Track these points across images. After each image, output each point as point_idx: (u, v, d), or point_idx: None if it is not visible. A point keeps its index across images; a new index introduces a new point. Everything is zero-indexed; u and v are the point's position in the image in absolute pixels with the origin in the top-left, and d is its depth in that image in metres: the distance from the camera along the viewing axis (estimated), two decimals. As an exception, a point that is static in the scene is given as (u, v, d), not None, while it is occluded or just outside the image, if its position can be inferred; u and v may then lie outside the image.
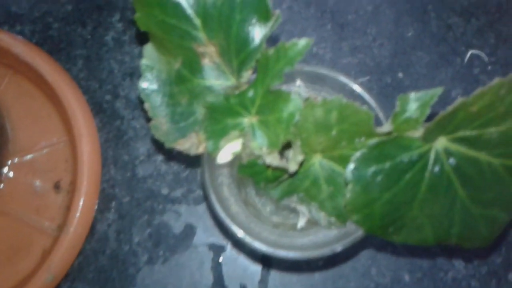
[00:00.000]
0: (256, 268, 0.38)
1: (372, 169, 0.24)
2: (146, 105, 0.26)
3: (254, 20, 0.24)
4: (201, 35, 0.25)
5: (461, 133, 0.23)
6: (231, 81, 0.27)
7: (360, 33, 0.45)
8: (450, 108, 0.21)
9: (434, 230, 0.25)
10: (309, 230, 0.32)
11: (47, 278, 0.35)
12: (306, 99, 0.25)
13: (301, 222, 0.30)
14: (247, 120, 0.27)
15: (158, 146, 0.40)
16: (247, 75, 0.26)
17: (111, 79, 0.42)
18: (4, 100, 0.41)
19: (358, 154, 0.23)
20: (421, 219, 0.25)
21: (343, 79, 0.29)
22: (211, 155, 0.27)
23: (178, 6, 0.25)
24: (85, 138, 0.37)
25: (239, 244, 0.38)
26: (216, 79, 0.27)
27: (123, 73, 0.43)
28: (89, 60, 0.43)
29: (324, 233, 0.31)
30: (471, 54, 0.45)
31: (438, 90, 0.23)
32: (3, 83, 0.42)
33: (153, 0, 0.25)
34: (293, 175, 0.27)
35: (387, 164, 0.23)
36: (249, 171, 0.28)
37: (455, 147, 0.23)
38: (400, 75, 0.44)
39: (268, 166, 0.26)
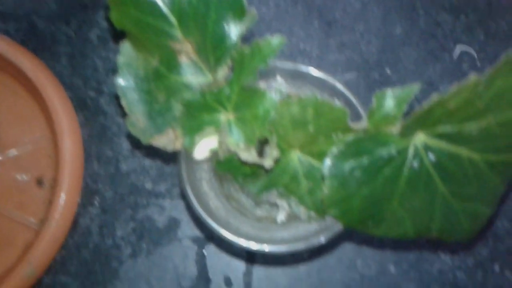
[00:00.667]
0: (240, 261, 0.47)
1: (349, 164, 0.28)
2: (123, 102, 0.33)
3: (229, 18, 0.30)
4: (177, 33, 0.32)
5: (441, 129, 0.27)
6: (207, 78, 0.33)
7: (347, 30, 0.56)
8: (426, 104, 0.25)
9: (414, 224, 0.30)
10: (290, 224, 0.41)
11: (28, 271, 0.43)
12: (284, 97, 0.31)
13: (281, 216, 0.37)
14: (223, 117, 0.33)
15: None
16: (223, 72, 0.32)
17: (95, 76, 0.53)
18: (-13, 97, 0.51)
19: (334, 150, 0.28)
20: (400, 213, 0.29)
21: (323, 76, 0.37)
22: (187, 151, 0.34)
23: (154, 4, 0.31)
24: (66, 134, 0.47)
25: (220, 239, 0.47)
26: (193, 75, 0.33)
27: (107, 70, 0.53)
28: (73, 57, 0.53)
29: (305, 226, 0.39)
30: (460, 51, 0.56)
31: (415, 87, 0.28)
32: (-13, 80, 0.52)
33: None
34: (269, 170, 0.33)
35: (365, 160, 0.28)
36: (226, 167, 0.34)
37: (435, 143, 0.28)
38: (388, 71, 0.54)
39: (245, 163, 0.32)
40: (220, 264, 0.46)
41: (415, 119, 0.26)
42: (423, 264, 0.46)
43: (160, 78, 0.33)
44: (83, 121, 0.51)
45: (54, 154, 0.49)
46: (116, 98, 0.51)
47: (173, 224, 0.48)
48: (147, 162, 0.49)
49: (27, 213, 0.48)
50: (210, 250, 0.47)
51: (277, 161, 0.32)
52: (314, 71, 0.37)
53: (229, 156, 0.33)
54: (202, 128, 0.33)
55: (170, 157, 0.49)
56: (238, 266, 0.46)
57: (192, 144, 0.33)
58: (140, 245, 0.47)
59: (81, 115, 0.51)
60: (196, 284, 0.46)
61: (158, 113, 0.33)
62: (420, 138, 0.28)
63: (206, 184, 0.38)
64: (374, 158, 0.28)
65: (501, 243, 0.47)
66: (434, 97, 0.25)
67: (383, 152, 0.28)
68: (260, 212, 0.43)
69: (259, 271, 0.46)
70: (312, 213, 0.35)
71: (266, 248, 0.34)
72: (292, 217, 0.37)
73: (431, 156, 0.28)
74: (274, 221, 0.40)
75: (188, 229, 0.47)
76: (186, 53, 0.33)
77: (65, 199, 0.45)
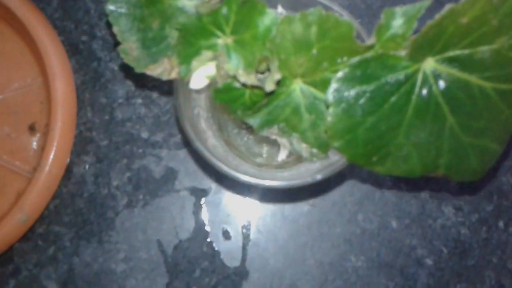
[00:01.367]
0: (239, 213, 0.45)
1: (355, 90, 0.26)
2: (115, 29, 0.31)
3: None
4: None
5: (451, 53, 0.25)
6: None
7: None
8: (438, 16, 0.23)
9: (421, 159, 0.28)
10: (290, 167, 0.40)
11: (20, 218, 0.42)
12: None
13: (282, 155, 0.36)
14: (221, 41, 0.31)
15: (138, 88, 0.48)
16: None
17: (88, 19, 0.50)
18: (-26, 39, 0.49)
19: (340, 74, 0.27)
20: (407, 148, 0.28)
21: (326, 2, 0.34)
22: (184, 79, 0.32)
23: None
24: (59, 78, 0.45)
25: (218, 191, 0.46)
26: None
27: (99, 13, 0.50)
28: (64, -2, 0.50)
29: (306, 166, 0.38)
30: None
31: (426, 2, 0.25)
32: (-27, 21, 0.49)
33: None
34: (270, 99, 0.32)
35: (371, 86, 0.26)
36: (225, 97, 0.32)
37: (444, 69, 0.26)
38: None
39: (244, 86, 0.30)
40: (219, 216, 0.45)
41: (425, 34, 0.24)
42: (426, 220, 0.45)
43: (153, 3, 0.31)
44: (76, 66, 0.48)
45: (46, 100, 0.47)
46: (107, 42, 0.48)
47: (171, 174, 0.46)
48: (143, 110, 0.47)
49: (19, 161, 0.46)
50: (209, 202, 0.45)
51: (278, 84, 0.30)
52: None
53: (227, 83, 0.31)
54: (199, 54, 0.31)
55: (167, 106, 0.47)
56: (237, 219, 0.45)
57: (188, 72, 0.31)
58: (137, 196, 0.46)
59: (74, 60, 0.48)
60: (194, 236, 0.45)
61: (152, 41, 0.32)
62: (429, 64, 0.26)
63: (204, 122, 0.37)
64: (380, 84, 0.26)
65: (505, 199, 0.46)
66: (446, 8, 0.23)
67: (391, 77, 0.26)
68: (260, 160, 0.42)
69: (258, 224, 0.45)
70: (315, 150, 0.33)
71: (266, 183, 0.33)
72: (294, 160, 0.35)
73: (441, 84, 0.26)
74: (273, 167, 0.39)
75: (186, 180, 0.46)
76: None
77: (58, 145, 0.43)
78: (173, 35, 0.32)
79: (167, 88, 0.47)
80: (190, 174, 0.46)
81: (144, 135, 0.47)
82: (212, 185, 0.46)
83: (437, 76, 0.26)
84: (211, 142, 0.36)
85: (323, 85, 0.30)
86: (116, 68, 0.48)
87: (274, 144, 0.43)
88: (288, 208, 0.45)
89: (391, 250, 0.44)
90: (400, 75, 0.26)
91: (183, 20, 0.31)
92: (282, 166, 0.41)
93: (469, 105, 0.27)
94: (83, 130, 0.47)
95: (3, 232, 0.41)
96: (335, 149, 0.28)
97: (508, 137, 0.29)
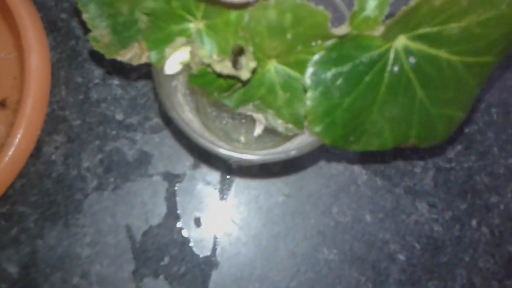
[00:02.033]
0: (212, 200, 0.44)
1: (331, 72, 0.27)
2: (85, 16, 0.30)
3: None
4: None
5: (421, 31, 0.27)
6: None
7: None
8: (413, 2, 0.24)
9: (393, 133, 0.29)
10: (267, 147, 0.39)
11: (-15, 194, 0.40)
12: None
13: (257, 130, 0.36)
14: (193, 26, 0.30)
15: (115, 69, 0.47)
16: None
17: (68, -2, 0.49)
18: None
19: (316, 57, 0.27)
20: (380, 123, 0.29)
21: None
22: (156, 66, 0.31)
23: None
24: (34, 54, 0.43)
25: (192, 175, 0.45)
26: None
27: (81, -7, 0.49)
28: (44, -25, 0.49)
29: (283, 147, 0.38)
30: None
31: None
32: None
33: None
34: (246, 83, 0.31)
35: (347, 66, 0.27)
36: (200, 81, 0.31)
37: (415, 46, 0.27)
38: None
39: (219, 75, 0.30)
40: (192, 203, 0.44)
41: (400, 19, 0.25)
42: (400, 215, 0.45)
43: None
44: (53, 44, 0.47)
45: (20, 75, 0.45)
46: (77, 14, 0.47)
47: (144, 158, 0.45)
48: (119, 92, 0.46)
49: (-14, 137, 0.44)
50: (182, 188, 0.44)
51: (254, 72, 0.30)
52: None
53: (202, 69, 0.30)
54: (171, 40, 0.31)
55: (144, 88, 0.46)
56: (210, 206, 0.44)
57: (161, 59, 0.31)
58: (107, 178, 0.44)
59: (51, 37, 0.47)
60: (164, 221, 0.44)
61: (123, 26, 0.31)
62: (401, 41, 0.27)
63: (182, 96, 0.35)
64: (355, 64, 0.27)
65: (479, 199, 0.46)
66: None
67: (365, 57, 0.27)
68: (237, 145, 0.41)
69: (231, 213, 0.44)
70: (290, 125, 0.32)
71: (242, 156, 0.32)
72: (271, 144, 0.34)
73: (411, 60, 0.27)
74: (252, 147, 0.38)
75: (160, 165, 0.45)
76: None
77: (28, 122, 0.42)
78: (143, 19, 0.31)
79: (145, 70, 0.46)
80: (164, 159, 0.45)
81: (119, 117, 0.46)
82: (186, 171, 0.45)
83: (408, 53, 0.27)
84: (187, 116, 0.35)
85: (298, 65, 0.30)
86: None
87: (251, 130, 0.42)
88: (262, 198, 0.45)
89: (364, 244, 0.44)
90: (374, 54, 0.27)
91: (151, 4, 0.30)
92: (259, 150, 0.41)
93: (437, 79, 0.28)
94: (55, 109, 0.45)
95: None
96: (316, 134, 0.29)
97: (471, 105, 0.31)
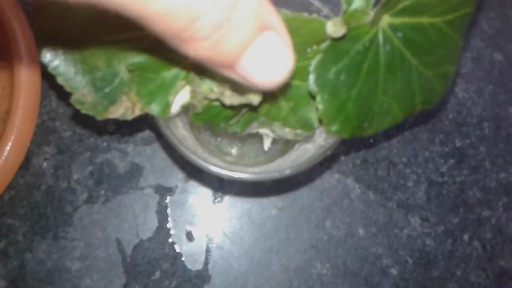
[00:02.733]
0: (204, 215, 0.44)
1: (332, 71, 0.28)
2: (59, 80, 0.27)
3: None
4: None
5: (402, 5, 0.28)
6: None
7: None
8: None
9: (401, 106, 0.31)
10: (261, 165, 0.39)
11: (-27, 209, 0.39)
12: None
13: (266, 144, 0.35)
14: (183, 66, 0.29)
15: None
16: None
17: (59, 7, 0.48)
18: None
19: (315, 62, 0.27)
20: (387, 102, 0.30)
21: None
22: (162, 118, 0.30)
23: None
24: (25, 64, 0.42)
25: (185, 189, 0.44)
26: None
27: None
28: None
29: (277, 163, 0.37)
30: None
31: None
32: None
33: None
34: (257, 106, 0.30)
35: (345, 61, 0.28)
36: (205, 117, 0.30)
37: (399, 20, 0.29)
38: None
39: (231, 107, 0.29)
40: (184, 217, 0.44)
41: (384, 2, 0.26)
42: (392, 229, 0.45)
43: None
44: (43, 53, 0.46)
45: (9, 85, 0.44)
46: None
47: (135, 171, 0.44)
48: (111, 103, 0.45)
49: (-27, 148, 0.43)
50: (174, 202, 0.44)
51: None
52: None
53: (207, 104, 0.29)
54: (167, 87, 0.29)
55: (136, 100, 0.46)
56: (202, 220, 0.44)
57: (165, 109, 0.29)
58: (98, 191, 0.43)
59: (41, 47, 0.46)
60: (156, 235, 0.43)
61: (103, 81, 0.28)
62: (385, 21, 0.28)
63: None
64: (352, 56, 0.28)
65: (471, 213, 0.46)
66: None
67: (358, 46, 0.28)
68: (230, 159, 0.41)
69: (223, 226, 0.44)
70: (299, 131, 0.32)
71: (235, 175, 0.31)
72: (264, 159, 0.34)
73: (399, 34, 0.29)
74: (243, 165, 0.38)
75: (152, 177, 0.44)
76: None
77: (18, 133, 0.41)
78: (123, 69, 0.29)
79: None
80: (156, 172, 0.44)
81: (110, 128, 0.45)
82: (178, 184, 0.44)
83: (394, 30, 0.28)
84: (180, 132, 0.34)
85: (296, 73, 0.30)
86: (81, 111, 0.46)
87: (245, 144, 0.42)
88: (255, 211, 0.44)
89: (357, 258, 0.44)
90: (365, 41, 0.28)
91: (136, 60, 0.28)
92: (253, 164, 0.40)
93: (426, 44, 0.29)
94: (45, 120, 0.45)
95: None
96: (333, 133, 0.29)
97: (460, 56, 0.33)
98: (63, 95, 0.44)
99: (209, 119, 0.31)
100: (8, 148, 0.40)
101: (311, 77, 0.27)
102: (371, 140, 0.47)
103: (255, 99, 0.28)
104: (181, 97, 0.29)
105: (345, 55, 0.28)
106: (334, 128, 0.29)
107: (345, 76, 0.28)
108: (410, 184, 0.46)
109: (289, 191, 0.45)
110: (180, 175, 0.44)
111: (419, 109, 0.32)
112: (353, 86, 0.29)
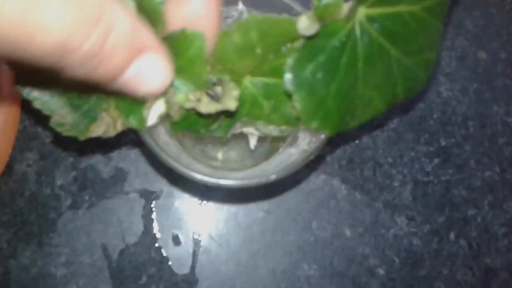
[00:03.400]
0: (191, 218, 0.44)
1: (308, 69, 0.27)
2: (36, 104, 0.27)
3: None
4: None
5: None
6: None
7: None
8: None
9: (382, 97, 0.31)
10: (245, 170, 0.39)
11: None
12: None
13: (252, 142, 0.34)
14: None
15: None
16: None
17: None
18: None
19: (289, 61, 0.27)
20: (368, 94, 0.30)
21: (290, 2, 0.33)
22: (141, 131, 0.29)
23: None
24: (5, 70, 0.42)
25: (170, 193, 0.44)
26: None
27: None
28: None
29: (262, 167, 0.37)
30: None
31: None
32: None
33: None
34: (235, 111, 0.30)
35: (321, 57, 0.27)
36: (184, 125, 0.30)
37: (375, 11, 0.28)
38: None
39: (208, 115, 0.28)
40: (169, 221, 0.43)
41: None
42: (379, 229, 0.45)
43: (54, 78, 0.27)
44: (24, 57, 0.45)
45: (-11, 91, 0.44)
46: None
47: (120, 176, 0.44)
48: (94, 107, 0.45)
49: (-46, 155, 0.43)
50: (159, 206, 0.44)
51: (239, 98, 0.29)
52: None
53: (184, 113, 0.29)
54: (143, 100, 0.28)
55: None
56: (188, 224, 0.44)
57: (141, 122, 0.28)
58: (82, 196, 0.43)
59: (22, 51, 0.46)
60: (141, 240, 0.43)
61: (80, 99, 0.28)
62: (361, 13, 0.27)
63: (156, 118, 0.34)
64: (328, 52, 0.27)
65: (457, 212, 0.46)
66: None
67: (334, 42, 0.27)
68: (215, 163, 0.40)
69: (210, 230, 0.44)
70: (283, 127, 0.32)
71: (220, 182, 0.31)
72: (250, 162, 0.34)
73: (376, 26, 0.28)
74: (228, 170, 0.38)
75: (137, 182, 0.44)
76: None
77: (-1, 141, 0.41)
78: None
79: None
80: (141, 176, 0.44)
81: (94, 133, 0.44)
82: (164, 188, 0.44)
83: (371, 21, 0.28)
84: (163, 138, 0.34)
85: (272, 71, 0.30)
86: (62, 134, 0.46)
87: (230, 147, 0.42)
88: (242, 214, 0.44)
89: (344, 258, 0.44)
90: (342, 36, 0.27)
91: None
92: (238, 168, 0.40)
93: (405, 32, 0.29)
94: (27, 126, 0.44)
95: None
96: (314, 130, 0.29)
97: (440, 41, 0.33)
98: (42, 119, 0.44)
99: (188, 127, 0.30)
100: (-11, 155, 0.40)
101: (286, 77, 0.27)
102: (357, 141, 0.47)
103: (232, 104, 0.27)
104: (156, 109, 0.29)
105: (321, 52, 0.27)
106: (314, 125, 0.29)
107: (322, 73, 0.28)
108: (396, 184, 0.46)
109: (275, 193, 0.45)
110: (165, 179, 0.44)
111: (401, 98, 0.31)
112: (332, 81, 0.28)
